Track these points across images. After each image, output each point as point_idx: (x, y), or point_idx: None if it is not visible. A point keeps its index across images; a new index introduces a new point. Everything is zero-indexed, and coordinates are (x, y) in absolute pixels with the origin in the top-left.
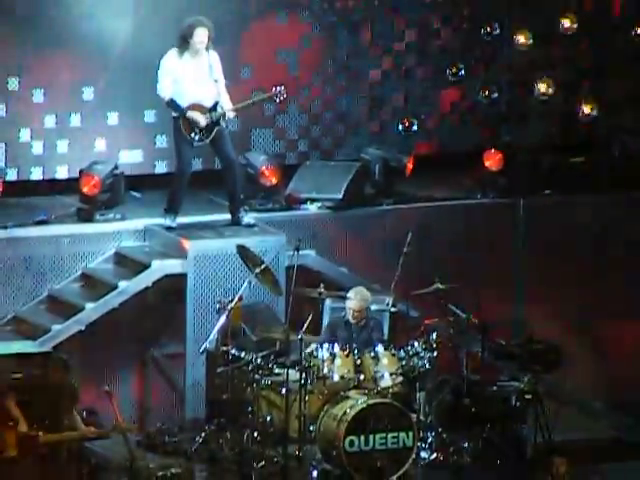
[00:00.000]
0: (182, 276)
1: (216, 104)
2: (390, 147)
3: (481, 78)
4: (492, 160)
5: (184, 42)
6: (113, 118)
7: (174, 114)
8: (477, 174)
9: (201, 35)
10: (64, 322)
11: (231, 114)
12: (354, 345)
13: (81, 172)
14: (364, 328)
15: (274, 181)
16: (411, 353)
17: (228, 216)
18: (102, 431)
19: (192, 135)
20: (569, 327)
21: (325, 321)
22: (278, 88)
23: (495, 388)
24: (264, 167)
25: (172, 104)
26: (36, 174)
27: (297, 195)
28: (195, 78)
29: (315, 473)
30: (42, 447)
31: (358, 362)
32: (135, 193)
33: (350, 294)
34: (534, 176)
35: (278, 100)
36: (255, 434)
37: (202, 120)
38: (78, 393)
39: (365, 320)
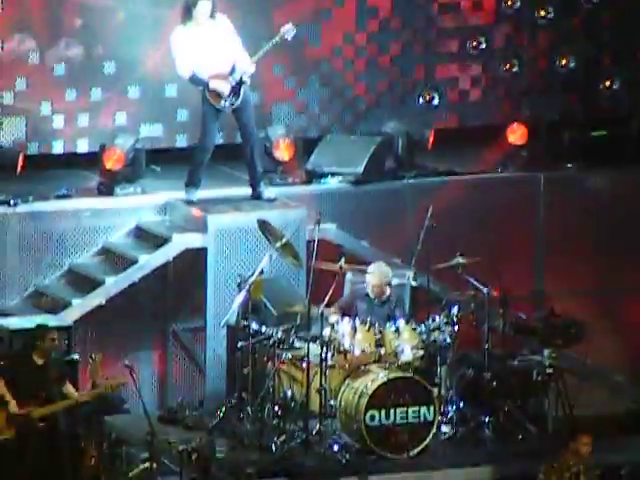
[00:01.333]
0: (203, 250)
1: (234, 66)
2: (411, 120)
3: (502, 52)
4: (516, 134)
5: (189, 13)
6: (134, 92)
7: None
8: (499, 148)
9: (204, 6)
10: (85, 296)
11: (250, 68)
12: (373, 319)
13: (103, 146)
14: (385, 303)
15: (288, 155)
16: (432, 327)
17: (249, 190)
18: (92, 392)
19: (221, 103)
20: (590, 301)
21: (345, 294)
22: (286, 26)
23: (516, 362)
24: (280, 140)
25: (194, 79)
26: (57, 148)
27: (318, 169)
28: (207, 47)
29: (336, 447)
30: (36, 422)
31: (379, 336)
32: (155, 167)
33: (370, 269)
34: (555, 150)
35: (289, 38)
36: (276, 408)
37: (225, 86)
38: (72, 365)
39: (387, 295)
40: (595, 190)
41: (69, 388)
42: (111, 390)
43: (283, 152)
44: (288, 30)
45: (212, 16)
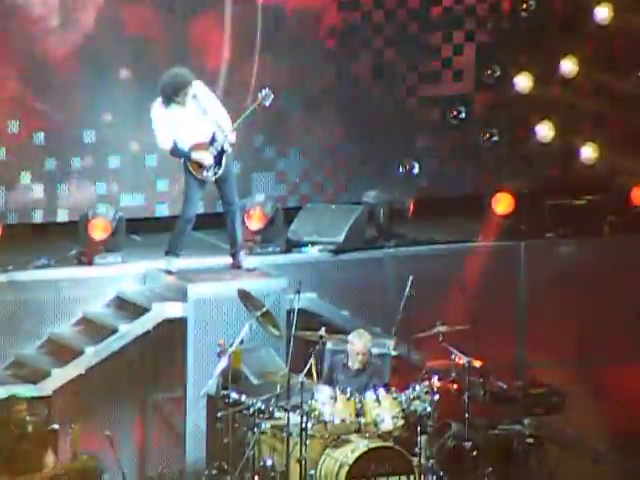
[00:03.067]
0: (183, 320)
1: (214, 135)
2: (392, 190)
3: (481, 121)
4: (501, 203)
5: (169, 99)
6: (114, 161)
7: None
8: (479, 217)
9: (187, 94)
10: (64, 366)
11: (232, 136)
12: (353, 388)
13: (86, 216)
14: (362, 372)
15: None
16: (412, 396)
17: (229, 259)
18: (71, 465)
19: (204, 174)
20: (571, 370)
21: (326, 364)
22: (264, 92)
23: (497, 432)
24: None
25: (175, 152)
26: (36, 217)
27: (298, 238)
28: (187, 120)
29: None
30: None
31: (359, 405)
32: (135, 236)
33: (351, 337)
34: (536, 219)
35: (268, 103)
36: (256, 478)
37: (207, 157)
38: (51, 434)
39: (366, 364)
40: (564, 258)
41: (49, 458)
42: (89, 463)
43: (256, 221)
44: (266, 95)
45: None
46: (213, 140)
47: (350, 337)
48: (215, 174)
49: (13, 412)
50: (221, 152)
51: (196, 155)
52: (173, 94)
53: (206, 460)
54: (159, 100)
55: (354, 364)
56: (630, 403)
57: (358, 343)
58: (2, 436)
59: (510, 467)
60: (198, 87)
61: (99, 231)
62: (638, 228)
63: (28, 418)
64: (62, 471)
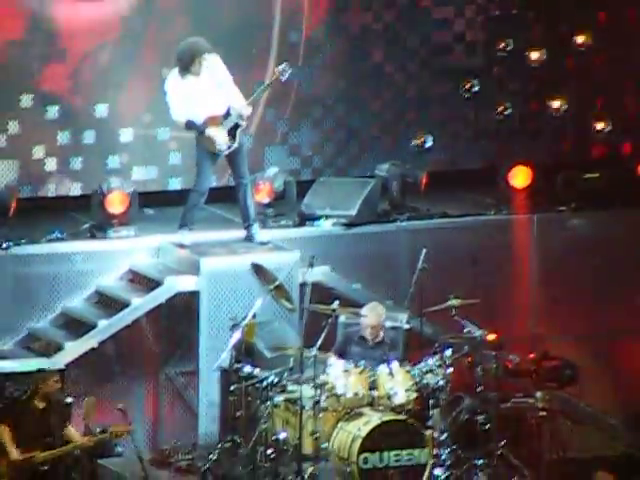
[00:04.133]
0: (196, 293)
1: (229, 109)
2: (404, 163)
3: (494, 95)
4: (519, 176)
5: (184, 68)
6: (126, 135)
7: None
8: (493, 190)
9: (201, 63)
10: (77, 339)
11: (246, 110)
12: (367, 361)
13: (101, 190)
14: (379, 345)
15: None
16: (425, 370)
17: (242, 233)
18: (97, 438)
19: (217, 148)
20: (584, 344)
21: (339, 337)
22: (281, 66)
23: (510, 405)
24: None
25: (190, 125)
26: (50, 191)
27: (311, 211)
28: (202, 93)
29: None
30: (39, 467)
31: (372, 379)
32: (148, 210)
33: (365, 311)
34: (548, 193)
35: (284, 78)
36: (269, 451)
37: (221, 132)
38: (69, 408)
39: (380, 337)
40: (576, 231)
41: (71, 431)
42: (115, 437)
43: (115, 205)
44: (283, 70)
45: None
46: (227, 114)
47: (363, 310)
48: (229, 148)
49: (46, 384)
50: (235, 126)
51: (210, 131)
52: (190, 61)
53: (219, 433)
54: (175, 71)
55: (369, 337)
56: None
57: (371, 316)
58: (27, 410)
59: (523, 440)
60: (214, 60)
61: (117, 204)
62: None
63: (57, 391)
64: (89, 444)
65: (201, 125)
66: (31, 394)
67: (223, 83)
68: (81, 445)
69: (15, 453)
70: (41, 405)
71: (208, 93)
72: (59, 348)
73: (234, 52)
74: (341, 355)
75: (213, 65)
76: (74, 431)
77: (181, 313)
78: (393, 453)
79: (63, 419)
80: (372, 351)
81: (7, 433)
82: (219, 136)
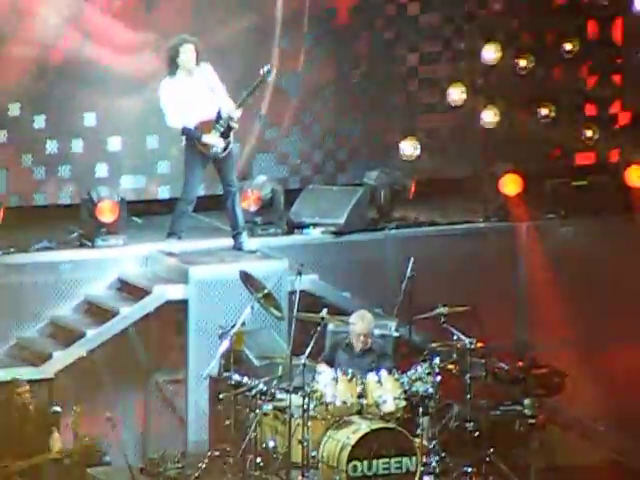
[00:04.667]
0: (184, 302)
1: (219, 112)
2: (393, 171)
3: (482, 102)
4: (510, 184)
5: (173, 63)
6: (115, 143)
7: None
8: (480, 198)
9: (187, 52)
10: (66, 348)
11: (236, 113)
12: (355, 369)
13: (89, 199)
14: (366, 353)
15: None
16: (414, 378)
17: (230, 241)
18: (70, 449)
19: (212, 151)
20: (572, 351)
21: (327, 346)
22: (265, 67)
23: (498, 412)
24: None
25: (186, 132)
26: (38, 200)
27: (299, 220)
28: (194, 96)
29: None
30: (14, 476)
31: (361, 387)
32: (137, 218)
33: (353, 319)
34: (537, 200)
35: (270, 78)
36: (258, 460)
37: (215, 137)
38: (57, 417)
39: (368, 346)
40: (565, 238)
41: (56, 440)
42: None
43: (106, 214)
44: (267, 71)
45: (197, 64)
46: (219, 117)
47: (352, 319)
48: (224, 150)
49: (15, 395)
50: (227, 129)
51: (206, 138)
52: (175, 54)
53: (208, 442)
54: (166, 78)
55: (357, 345)
56: (631, 384)
57: (360, 325)
58: (4, 419)
59: (512, 448)
60: (206, 67)
61: (107, 213)
62: (635, 208)
63: (30, 401)
64: (64, 454)
65: (196, 131)
66: (5, 404)
67: (215, 89)
68: (57, 454)
69: None
70: (16, 414)
71: (200, 96)
72: (47, 357)
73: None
74: (330, 363)
75: (205, 71)
76: (58, 440)
77: (170, 322)
78: (382, 461)
79: (47, 428)
80: (359, 359)
81: None
82: (216, 142)
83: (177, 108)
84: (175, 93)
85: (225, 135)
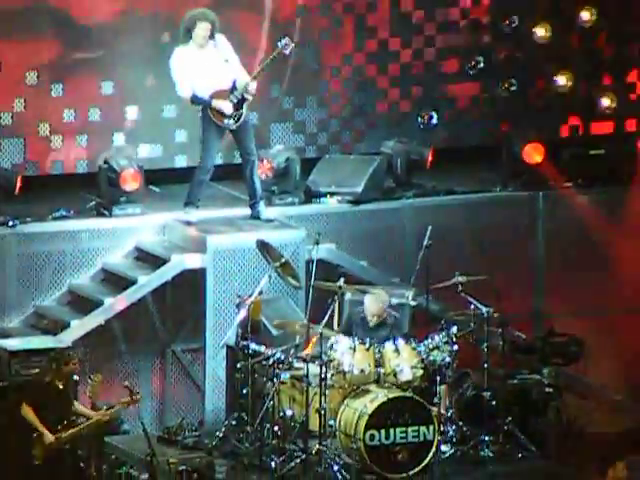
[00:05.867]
0: (202, 271)
1: (234, 83)
2: (410, 140)
3: (500, 71)
4: (533, 153)
5: (187, 33)
6: (132, 112)
7: (201, 108)
8: (498, 166)
9: (203, 29)
10: (84, 317)
11: (252, 85)
12: (371, 341)
13: (112, 167)
14: (382, 326)
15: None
16: (431, 347)
17: (247, 210)
18: (111, 411)
19: (225, 122)
20: (589, 320)
21: (345, 315)
22: (283, 40)
23: (516, 381)
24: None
25: (195, 100)
26: (55, 169)
27: (316, 189)
28: (208, 67)
29: (336, 467)
30: (64, 446)
31: (378, 356)
32: (154, 187)
33: (368, 300)
34: (554, 169)
35: (287, 52)
36: (275, 428)
37: (228, 104)
38: (76, 385)
39: (382, 319)
40: (582, 207)
41: (80, 408)
42: (126, 406)
43: (129, 182)
44: (285, 44)
45: (211, 37)
46: (234, 88)
47: (365, 299)
48: (236, 122)
49: (66, 365)
50: (242, 100)
51: (217, 103)
52: (191, 26)
53: (225, 411)
54: (179, 46)
55: (371, 320)
56: None
57: (373, 306)
58: (48, 390)
59: (529, 417)
60: (221, 38)
61: (130, 182)
62: None
63: (78, 371)
64: (105, 419)
65: (207, 99)
66: (53, 374)
67: (229, 59)
68: (99, 420)
69: (50, 436)
70: (60, 385)
71: (214, 67)
72: (65, 326)
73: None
74: (348, 334)
75: (219, 42)
76: (83, 407)
77: (187, 291)
78: (399, 430)
79: (70, 397)
80: (373, 332)
81: (33, 415)
82: (226, 108)
83: (188, 77)
84: (187, 62)
85: (239, 105)
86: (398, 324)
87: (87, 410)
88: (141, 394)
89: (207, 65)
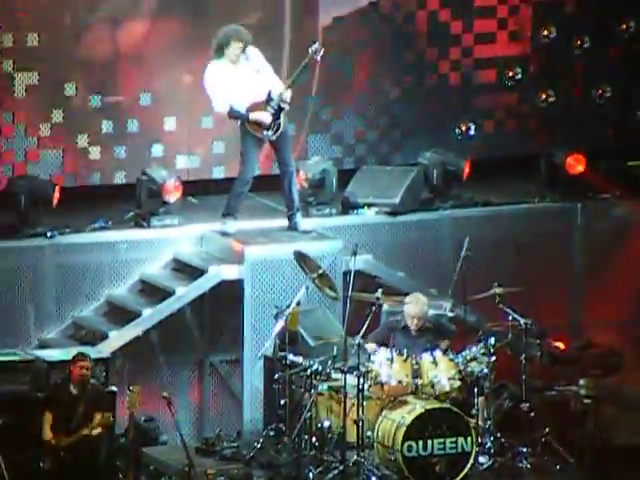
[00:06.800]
0: (239, 282)
1: (269, 93)
2: (447, 151)
3: (538, 82)
4: (576, 164)
5: (220, 50)
6: (170, 123)
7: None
8: (535, 178)
9: (237, 48)
10: (122, 328)
11: (287, 93)
12: (411, 350)
13: (152, 178)
14: (423, 333)
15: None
16: (469, 358)
17: (285, 222)
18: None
19: (264, 133)
20: (627, 331)
21: (382, 326)
22: (314, 46)
23: (554, 393)
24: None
25: (233, 114)
26: (94, 180)
27: (354, 200)
28: (242, 81)
29: (373, 478)
30: (60, 450)
31: (416, 367)
32: (192, 198)
33: (408, 301)
34: (591, 180)
35: (318, 57)
36: (313, 439)
37: (266, 115)
38: (112, 397)
39: (425, 326)
40: (619, 219)
41: (95, 419)
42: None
43: (172, 193)
44: (316, 49)
45: (243, 51)
46: (269, 99)
47: (406, 300)
48: (275, 132)
49: (77, 367)
50: (279, 109)
51: (255, 115)
52: (225, 43)
53: (263, 421)
54: (212, 62)
55: (412, 327)
56: None
57: (414, 307)
58: (63, 395)
59: (567, 428)
60: (252, 50)
61: (172, 193)
62: None
63: (87, 376)
64: (95, 431)
65: (245, 113)
66: (65, 378)
67: (262, 69)
68: (88, 432)
69: (48, 434)
70: (74, 391)
71: (248, 80)
72: (103, 337)
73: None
74: (380, 343)
75: (251, 54)
76: (96, 420)
77: (225, 302)
78: (437, 441)
79: (96, 408)
80: (416, 339)
81: (48, 417)
82: (265, 118)
83: (223, 92)
84: (221, 78)
85: (276, 115)
86: (439, 325)
87: (94, 422)
88: (170, 409)
89: (241, 79)
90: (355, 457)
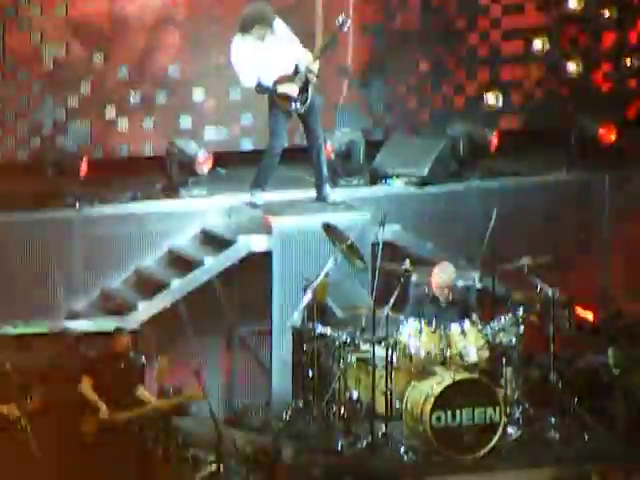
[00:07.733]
0: (268, 253)
1: (297, 66)
2: (475, 122)
3: (567, 54)
4: (609, 134)
5: (247, 25)
6: (198, 95)
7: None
8: (564, 149)
9: (261, 29)
10: (150, 299)
11: (314, 66)
12: (440, 321)
13: (184, 150)
14: (452, 305)
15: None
16: (497, 329)
17: (313, 193)
18: (173, 403)
19: (292, 106)
20: None
21: (411, 297)
22: (340, 18)
23: (582, 363)
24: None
25: (260, 88)
26: (122, 151)
27: (382, 170)
28: (268, 55)
29: (402, 449)
30: (118, 426)
31: (444, 338)
32: (220, 170)
33: (435, 270)
34: (617, 152)
35: (344, 29)
36: (342, 410)
37: (293, 88)
38: (142, 368)
39: (452, 297)
40: None
41: (143, 392)
42: (190, 400)
43: (203, 165)
44: (343, 21)
45: (270, 28)
46: (296, 71)
47: (435, 270)
48: (303, 104)
49: (117, 345)
50: (306, 82)
51: (282, 88)
52: (250, 25)
53: (292, 392)
54: (237, 36)
55: (441, 297)
56: None
57: (442, 277)
58: (106, 369)
59: (595, 398)
60: (278, 24)
61: (204, 165)
62: None
63: (129, 351)
64: (163, 407)
65: (272, 86)
66: (107, 354)
67: (288, 42)
68: (158, 408)
69: (105, 410)
70: (117, 366)
71: (275, 53)
72: (132, 308)
73: None
74: (414, 315)
75: (277, 28)
76: (146, 392)
77: (253, 273)
78: (466, 411)
79: (135, 380)
80: (445, 311)
81: (91, 390)
82: (292, 91)
83: (250, 66)
84: (247, 52)
85: (304, 88)
86: (468, 302)
87: (149, 396)
88: (207, 390)
89: (268, 53)
90: (384, 428)
